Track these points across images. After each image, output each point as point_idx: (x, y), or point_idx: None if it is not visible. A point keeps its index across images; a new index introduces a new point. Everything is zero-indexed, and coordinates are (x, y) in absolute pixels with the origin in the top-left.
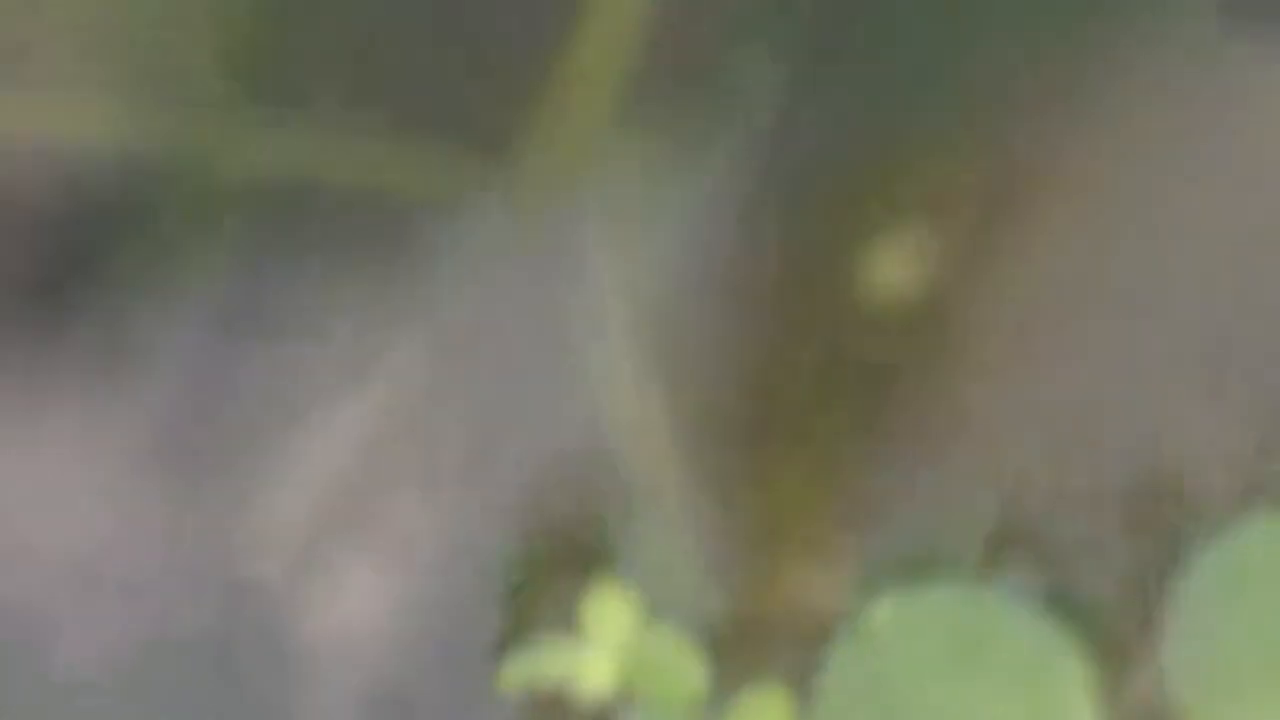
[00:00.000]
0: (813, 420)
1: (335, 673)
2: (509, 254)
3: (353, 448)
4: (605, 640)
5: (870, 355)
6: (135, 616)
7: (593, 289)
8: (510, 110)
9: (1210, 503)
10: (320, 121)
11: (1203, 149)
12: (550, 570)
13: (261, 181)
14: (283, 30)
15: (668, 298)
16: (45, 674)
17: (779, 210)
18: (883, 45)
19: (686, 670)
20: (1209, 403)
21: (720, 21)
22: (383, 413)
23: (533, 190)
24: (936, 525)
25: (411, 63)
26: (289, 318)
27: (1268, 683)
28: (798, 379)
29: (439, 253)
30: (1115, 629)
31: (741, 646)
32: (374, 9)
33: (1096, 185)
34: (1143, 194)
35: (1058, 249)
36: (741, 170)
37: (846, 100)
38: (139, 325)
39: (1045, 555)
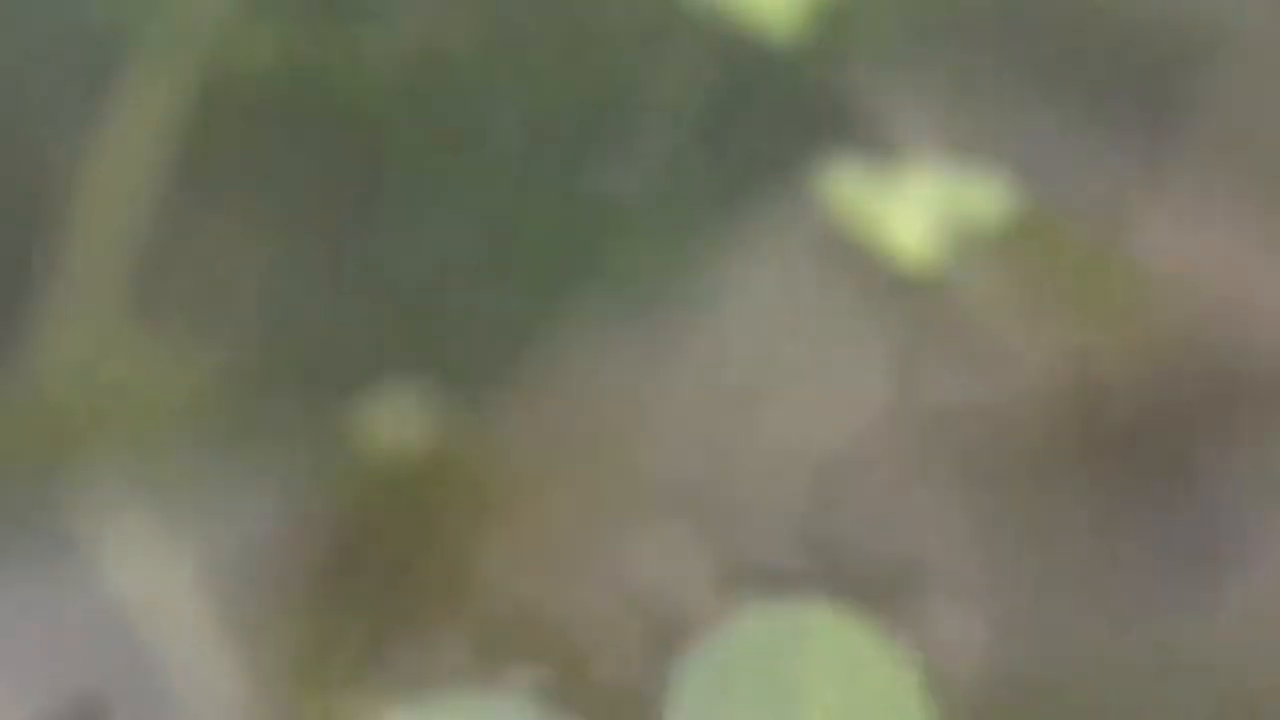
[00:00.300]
0: (338, 574)
1: None
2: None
3: None
4: None
5: (380, 509)
6: None
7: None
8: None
9: (694, 617)
10: None
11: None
12: None
13: None
14: None
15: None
16: None
17: (282, 374)
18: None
19: None
20: (686, 537)
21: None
22: None
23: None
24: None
25: None
26: None
27: None
28: (318, 536)
29: None
30: None
31: None
32: None
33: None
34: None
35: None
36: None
37: (340, 256)
38: None
39: (552, 667)
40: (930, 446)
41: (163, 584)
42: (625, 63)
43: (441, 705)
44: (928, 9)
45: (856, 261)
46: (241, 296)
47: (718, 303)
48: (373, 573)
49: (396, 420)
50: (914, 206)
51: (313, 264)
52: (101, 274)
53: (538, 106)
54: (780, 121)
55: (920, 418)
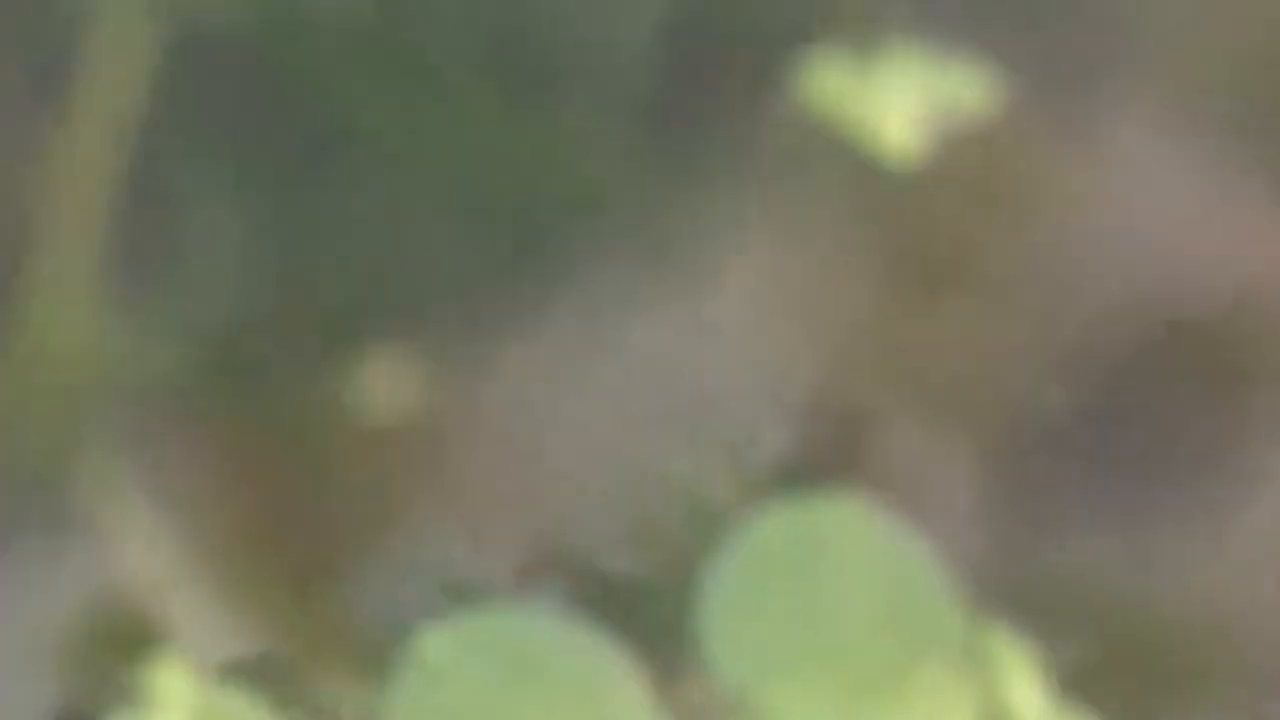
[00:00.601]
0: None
1: None
2: None
3: None
4: (175, 706)
5: (364, 467)
6: None
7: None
8: None
9: (717, 515)
10: None
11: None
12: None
13: None
14: None
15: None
16: None
17: (263, 332)
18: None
19: None
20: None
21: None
22: None
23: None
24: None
25: None
26: None
27: (808, 656)
28: (304, 500)
29: None
30: (659, 634)
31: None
32: None
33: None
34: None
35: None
36: (221, 300)
37: (319, 223)
38: None
39: (579, 579)
40: (904, 364)
41: (157, 555)
42: None
43: (473, 617)
44: None
45: (841, 160)
46: (216, 259)
47: (705, 230)
48: (362, 529)
49: (377, 379)
50: (897, 96)
51: (287, 223)
52: (77, 244)
53: (506, 44)
54: (759, 20)
55: (905, 332)
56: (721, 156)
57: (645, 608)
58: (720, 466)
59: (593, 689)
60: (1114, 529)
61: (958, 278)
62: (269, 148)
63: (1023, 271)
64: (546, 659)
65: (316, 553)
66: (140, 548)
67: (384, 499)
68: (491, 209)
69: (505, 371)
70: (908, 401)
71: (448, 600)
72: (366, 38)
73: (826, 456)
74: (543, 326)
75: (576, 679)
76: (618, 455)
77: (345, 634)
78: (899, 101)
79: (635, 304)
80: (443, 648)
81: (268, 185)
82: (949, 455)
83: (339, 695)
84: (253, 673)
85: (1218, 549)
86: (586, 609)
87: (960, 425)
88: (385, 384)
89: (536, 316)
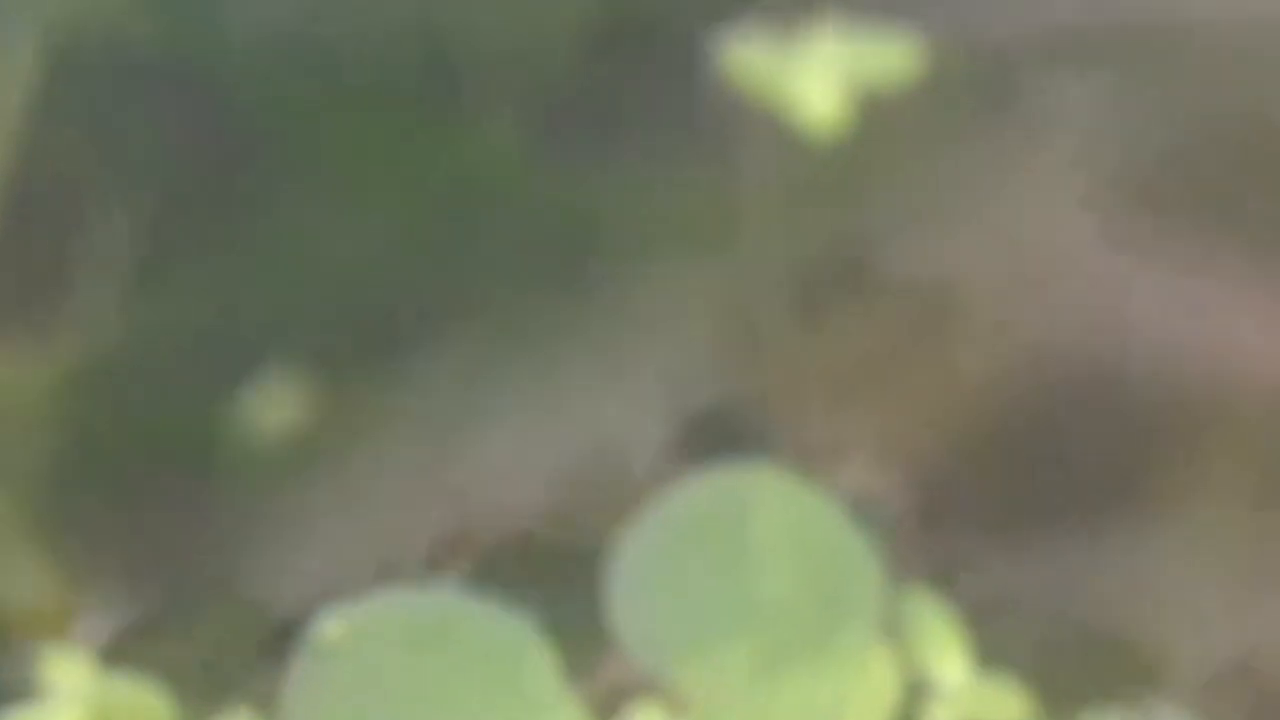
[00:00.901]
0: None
1: None
2: None
3: None
4: (68, 694)
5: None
6: None
7: None
8: None
9: (634, 489)
10: None
11: None
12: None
13: None
14: None
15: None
16: None
17: (154, 362)
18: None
19: (151, 707)
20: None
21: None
22: None
23: None
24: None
25: None
26: None
27: (722, 626)
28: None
29: None
30: (578, 610)
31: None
32: None
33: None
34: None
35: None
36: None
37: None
38: None
39: (493, 559)
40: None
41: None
42: None
43: (372, 599)
44: None
45: (764, 132)
46: (100, 281)
47: (625, 218)
48: (267, 531)
49: (268, 405)
50: (820, 69)
51: (174, 243)
52: None
53: (415, 55)
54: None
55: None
56: (645, 139)
57: (564, 585)
58: (635, 455)
59: (498, 662)
60: (1031, 544)
61: (876, 260)
62: (167, 163)
63: (943, 254)
64: (448, 634)
65: (219, 557)
66: (29, 565)
67: (285, 505)
68: (402, 219)
69: (419, 378)
70: (821, 391)
71: (351, 588)
72: (271, 47)
73: (737, 443)
74: (458, 330)
75: (480, 653)
76: (529, 447)
77: (246, 625)
78: (821, 74)
79: (551, 302)
80: (340, 628)
81: (165, 203)
82: (863, 448)
83: (239, 681)
84: (151, 660)
85: (1132, 570)
86: (502, 589)
87: (873, 416)
88: (286, 399)
89: (450, 322)
